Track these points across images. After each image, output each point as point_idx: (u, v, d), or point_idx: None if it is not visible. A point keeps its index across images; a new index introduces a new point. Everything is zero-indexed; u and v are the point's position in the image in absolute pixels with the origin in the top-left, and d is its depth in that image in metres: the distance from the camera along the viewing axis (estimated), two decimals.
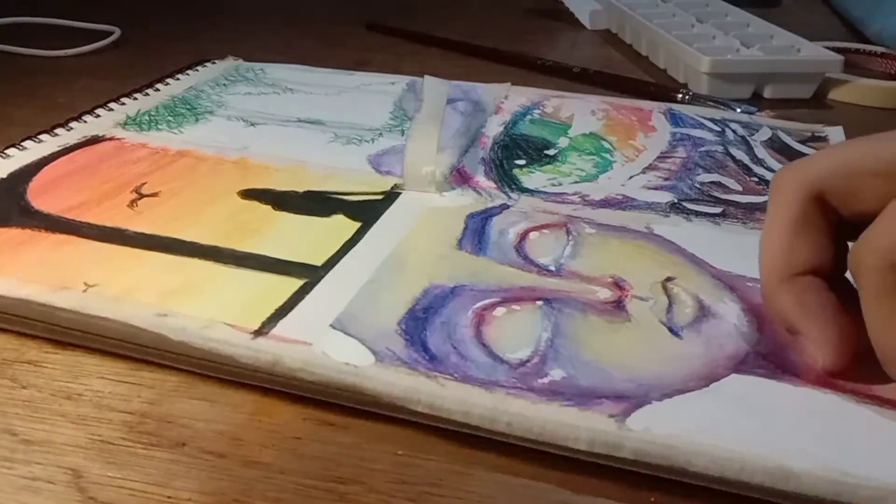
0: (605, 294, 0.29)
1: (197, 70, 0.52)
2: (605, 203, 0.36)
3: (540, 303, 0.28)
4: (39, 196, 0.35)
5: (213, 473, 0.23)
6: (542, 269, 0.31)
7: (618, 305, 0.29)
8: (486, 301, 0.28)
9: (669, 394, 0.24)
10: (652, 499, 0.22)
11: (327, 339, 0.26)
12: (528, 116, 0.46)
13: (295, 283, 0.29)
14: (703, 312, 0.28)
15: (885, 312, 0.23)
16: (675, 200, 0.37)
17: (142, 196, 0.35)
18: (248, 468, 0.23)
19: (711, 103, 0.51)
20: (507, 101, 0.48)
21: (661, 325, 0.28)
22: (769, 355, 0.26)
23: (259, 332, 0.26)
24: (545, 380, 0.25)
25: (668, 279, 0.30)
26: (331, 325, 0.27)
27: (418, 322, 0.27)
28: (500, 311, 0.28)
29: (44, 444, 0.24)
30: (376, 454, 0.24)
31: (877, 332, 0.23)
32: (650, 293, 0.29)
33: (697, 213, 0.36)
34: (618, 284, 0.30)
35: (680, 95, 0.52)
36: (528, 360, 0.25)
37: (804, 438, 0.23)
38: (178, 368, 0.27)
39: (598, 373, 0.25)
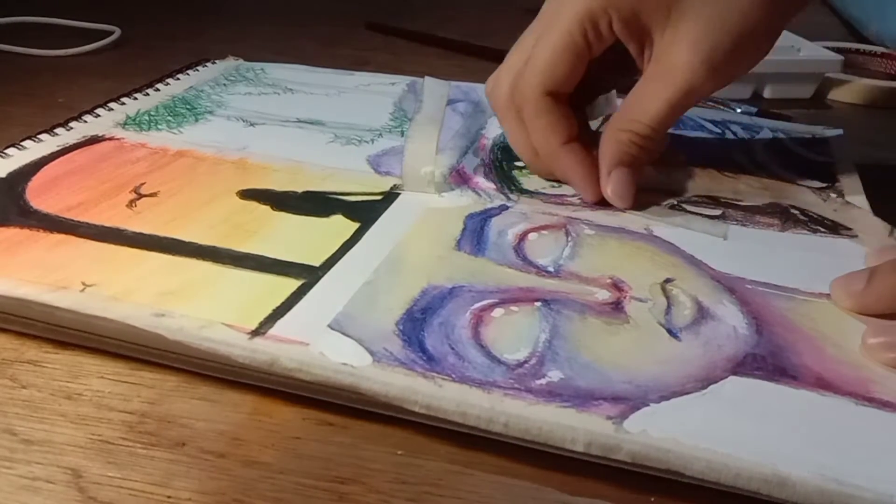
0: (603, 295, 0.29)
1: (197, 70, 0.52)
2: (605, 204, 0.36)
3: (538, 304, 0.28)
4: (38, 196, 0.35)
5: (213, 473, 0.23)
6: (541, 270, 0.31)
7: (616, 307, 0.29)
8: (485, 302, 0.28)
9: (667, 396, 0.24)
10: (652, 499, 0.22)
11: (325, 340, 0.26)
12: None
13: (293, 284, 0.29)
14: (701, 314, 0.28)
15: (536, 134, 0.37)
16: (675, 202, 0.37)
17: (140, 196, 0.35)
18: (248, 468, 0.23)
19: (711, 103, 0.51)
20: None
21: (659, 326, 0.28)
22: (767, 357, 0.26)
23: (256, 333, 0.26)
24: (543, 381, 0.25)
25: (667, 280, 0.30)
26: (328, 326, 0.27)
27: (416, 323, 0.27)
28: (497, 311, 0.28)
29: (44, 443, 0.24)
30: (376, 454, 0.24)
31: (534, 144, 0.37)
32: (649, 294, 0.29)
33: (697, 215, 0.36)
34: (616, 286, 0.30)
35: None
36: (525, 361, 0.25)
37: (801, 443, 0.23)
38: (177, 368, 0.27)
39: (596, 374, 0.25)
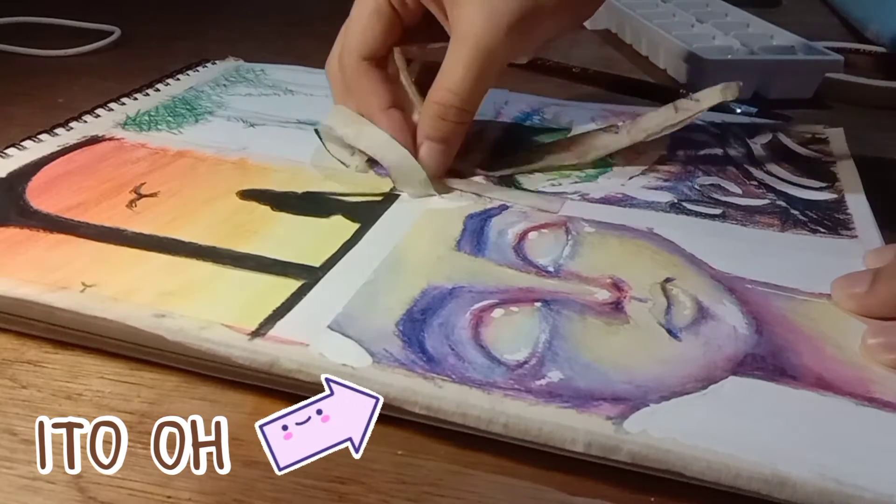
0: (603, 295, 0.29)
1: (197, 70, 0.52)
2: (605, 201, 0.36)
3: (538, 304, 0.28)
4: (38, 196, 0.35)
5: (213, 473, 0.23)
6: (541, 270, 0.31)
7: (616, 307, 0.29)
8: (485, 302, 0.28)
9: (667, 396, 0.24)
10: (652, 499, 0.22)
11: (325, 341, 0.26)
12: (528, 122, 0.46)
13: (293, 285, 0.29)
14: (701, 314, 0.28)
15: (358, 99, 0.38)
16: (675, 200, 0.37)
17: (140, 196, 0.35)
18: (248, 468, 0.23)
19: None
20: (506, 106, 0.48)
21: (659, 326, 0.28)
22: (767, 357, 0.26)
23: (256, 334, 0.26)
24: (543, 381, 0.25)
25: (668, 280, 0.30)
26: (328, 327, 0.27)
27: (416, 324, 0.27)
28: (498, 312, 0.28)
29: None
30: (376, 454, 0.24)
31: (358, 108, 0.38)
32: (649, 294, 0.29)
33: (697, 214, 0.36)
34: (616, 285, 0.30)
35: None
36: (525, 362, 0.25)
37: (801, 443, 0.23)
38: (177, 368, 0.27)
39: (596, 374, 0.25)
